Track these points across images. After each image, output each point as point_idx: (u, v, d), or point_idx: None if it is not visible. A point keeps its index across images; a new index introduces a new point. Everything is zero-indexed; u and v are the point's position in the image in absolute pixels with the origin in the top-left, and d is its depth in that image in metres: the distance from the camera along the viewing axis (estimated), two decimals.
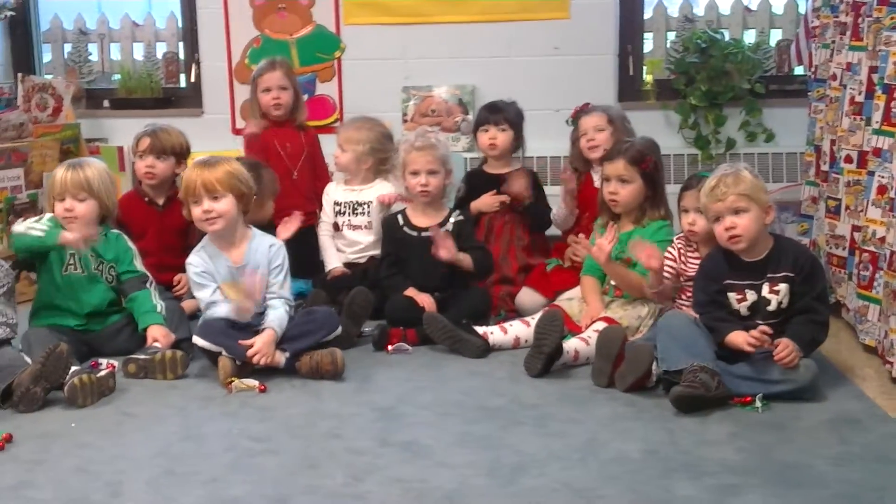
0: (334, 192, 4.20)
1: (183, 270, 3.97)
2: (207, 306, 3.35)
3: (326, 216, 4.18)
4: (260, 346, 3.22)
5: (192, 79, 5.10)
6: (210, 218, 3.33)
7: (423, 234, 3.82)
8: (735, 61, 4.68)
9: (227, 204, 3.33)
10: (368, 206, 4.12)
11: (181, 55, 5.19)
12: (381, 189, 4.12)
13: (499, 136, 4.11)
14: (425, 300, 3.68)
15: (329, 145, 4.46)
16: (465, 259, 3.70)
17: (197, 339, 3.29)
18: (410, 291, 3.72)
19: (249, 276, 3.30)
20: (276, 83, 4.31)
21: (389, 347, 3.53)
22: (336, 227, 4.15)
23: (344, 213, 4.14)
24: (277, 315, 3.32)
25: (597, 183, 3.94)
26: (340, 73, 4.95)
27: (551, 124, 4.22)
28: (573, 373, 3.27)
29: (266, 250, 3.43)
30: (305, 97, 4.89)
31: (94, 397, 3.04)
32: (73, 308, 3.44)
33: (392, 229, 3.89)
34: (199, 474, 2.52)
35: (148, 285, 3.53)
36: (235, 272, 3.37)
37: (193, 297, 3.85)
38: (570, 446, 2.67)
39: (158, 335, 3.36)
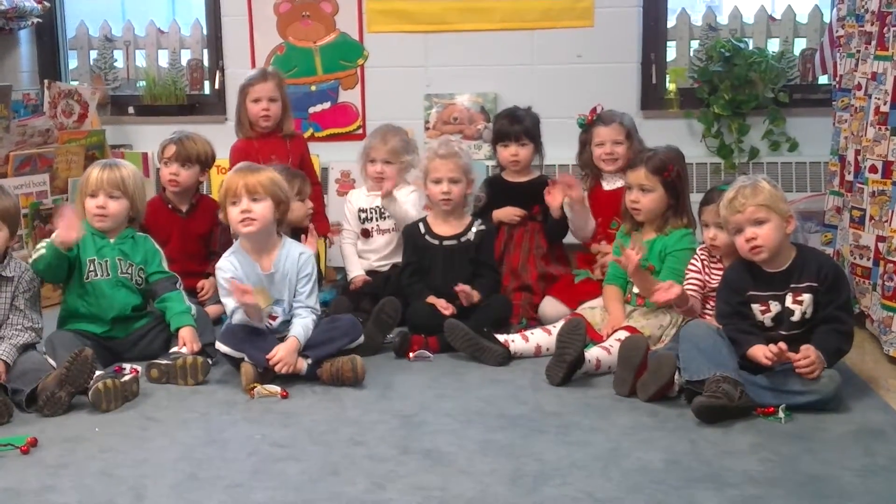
0: (357, 200, 4.19)
1: (205, 276, 4.02)
2: (233, 312, 3.34)
3: (349, 225, 4.19)
4: (283, 355, 3.23)
5: (217, 86, 5.13)
6: (247, 218, 3.31)
7: (445, 242, 3.84)
8: (759, 70, 4.65)
9: (265, 208, 3.33)
10: None
11: (206, 62, 5.22)
12: (405, 193, 4.09)
13: (520, 153, 4.11)
14: (443, 303, 3.67)
15: (348, 153, 4.46)
16: (476, 295, 3.73)
17: (219, 345, 3.32)
18: (431, 298, 3.72)
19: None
20: (266, 94, 4.21)
21: (411, 355, 3.54)
22: (366, 233, 4.15)
23: (371, 218, 4.14)
24: (303, 324, 3.33)
25: (606, 187, 3.99)
26: (363, 81, 4.96)
27: (574, 132, 4.21)
28: (595, 382, 3.26)
29: (296, 258, 3.43)
30: (328, 104, 4.91)
31: (118, 402, 3.06)
32: (97, 314, 3.45)
33: (413, 237, 3.90)
34: (221, 479, 2.54)
35: (178, 286, 3.56)
36: (264, 279, 3.38)
37: (218, 303, 3.88)
38: (591, 455, 2.66)
39: (188, 339, 3.39)
